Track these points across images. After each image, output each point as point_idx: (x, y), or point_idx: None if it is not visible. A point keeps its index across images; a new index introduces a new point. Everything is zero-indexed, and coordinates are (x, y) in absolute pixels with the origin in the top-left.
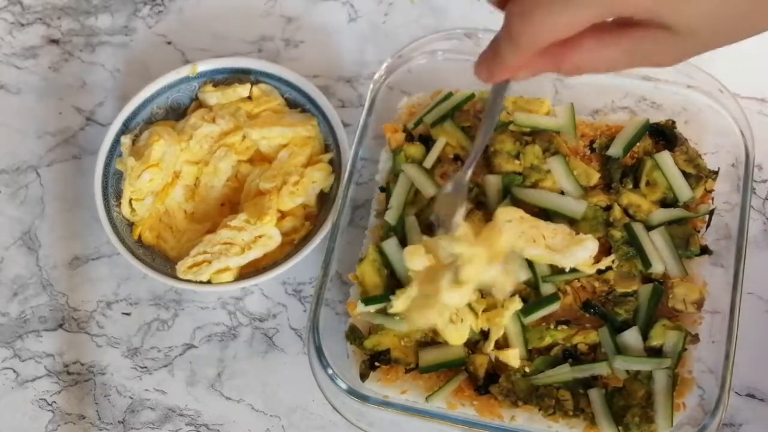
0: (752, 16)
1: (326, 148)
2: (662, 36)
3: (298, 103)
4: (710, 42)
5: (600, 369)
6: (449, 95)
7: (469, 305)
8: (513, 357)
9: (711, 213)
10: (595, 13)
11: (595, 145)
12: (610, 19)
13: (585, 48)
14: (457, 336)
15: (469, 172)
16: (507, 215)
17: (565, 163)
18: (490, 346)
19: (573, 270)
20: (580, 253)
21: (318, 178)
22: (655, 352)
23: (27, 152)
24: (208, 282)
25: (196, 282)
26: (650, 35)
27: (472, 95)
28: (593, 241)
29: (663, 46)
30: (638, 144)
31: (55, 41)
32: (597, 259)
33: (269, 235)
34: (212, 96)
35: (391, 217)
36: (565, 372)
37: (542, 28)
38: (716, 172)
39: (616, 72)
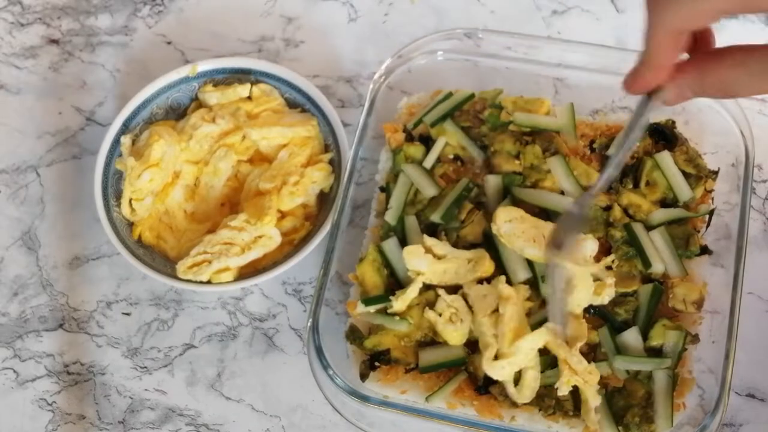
0: None
1: (326, 148)
2: None
3: (298, 103)
4: None
5: (600, 369)
6: (449, 95)
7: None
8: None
9: (711, 213)
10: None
11: (595, 145)
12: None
13: (730, 61)
14: (456, 336)
15: (596, 195)
16: (507, 215)
17: (565, 163)
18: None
19: None
20: (557, 280)
21: (318, 178)
22: (655, 352)
23: (27, 152)
24: (208, 282)
25: (196, 282)
26: None
27: (472, 95)
28: (593, 240)
29: None
30: (638, 144)
31: (55, 41)
32: (597, 259)
33: (269, 236)
34: (212, 96)
35: (391, 217)
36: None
37: (675, 14)
38: (716, 172)
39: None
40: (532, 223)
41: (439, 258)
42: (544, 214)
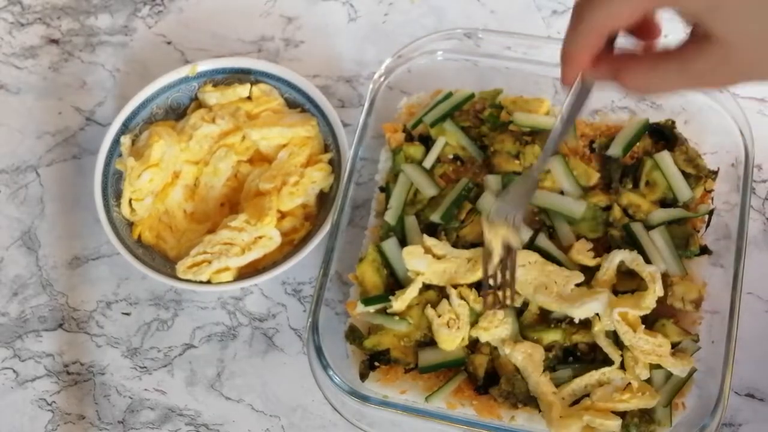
0: None
1: (326, 148)
2: (711, 52)
3: (298, 103)
4: (757, 64)
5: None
6: (449, 95)
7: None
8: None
9: (710, 213)
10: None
11: (594, 145)
12: (674, 46)
13: (642, 67)
14: (448, 341)
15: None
16: (522, 259)
17: (565, 163)
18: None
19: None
20: (593, 306)
21: (317, 178)
22: None
23: (27, 152)
24: (208, 282)
25: (195, 282)
26: (701, 52)
27: (472, 95)
28: (606, 294)
29: (711, 63)
30: (638, 144)
31: (54, 41)
32: (597, 256)
33: (269, 236)
34: (212, 96)
35: (390, 217)
36: (566, 375)
37: (600, 13)
38: (716, 172)
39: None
40: (544, 269)
41: (438, 258)
42: (544, 213)
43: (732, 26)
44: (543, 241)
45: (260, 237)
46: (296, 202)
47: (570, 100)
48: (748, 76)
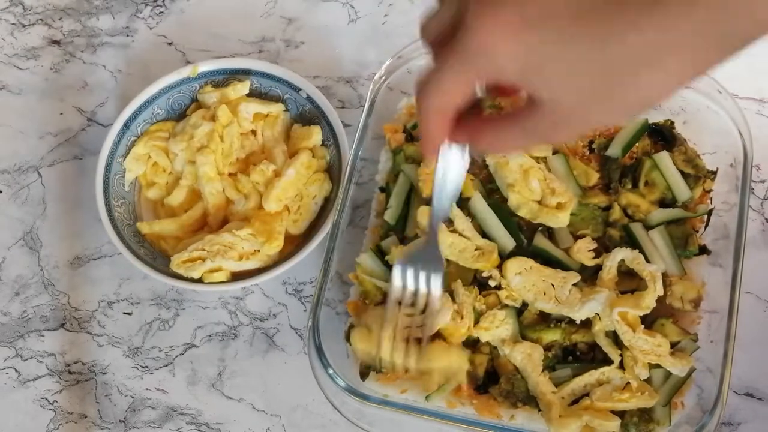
0: (613, 90)
1: (326, 148)
2: (544, 112)
3: (298, 104)
4: (595, 114)
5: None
6: None
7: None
8: None
9: (709, 213)
10: (466, 74)
11: (594, 146)
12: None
13: (489, 130)
14: (454, 333)
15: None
16: (517, 266)
17: (566, 163)
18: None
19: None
20: (593, 306)
21: (315, 191)
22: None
23: (28, 152)
24: (207, 282)
25: (197, 281)
26: (536, 113)
27: None
28: (605, 293)
29: (548, 122)
30: (637, 144)
31: (56, 42)
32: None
33: (269, 254)
34: (211, 95)
35: (390, 216)
36: (566, 375)
37: (434, 98)
38: (715, 173)
39: None
40: (541, 274)
41: (451, 232)
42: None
43: (555, 85)
44: (542, 241)
45: (260, 251)
46: (305, 225)
47: (440, 169)
48: (588, 125)
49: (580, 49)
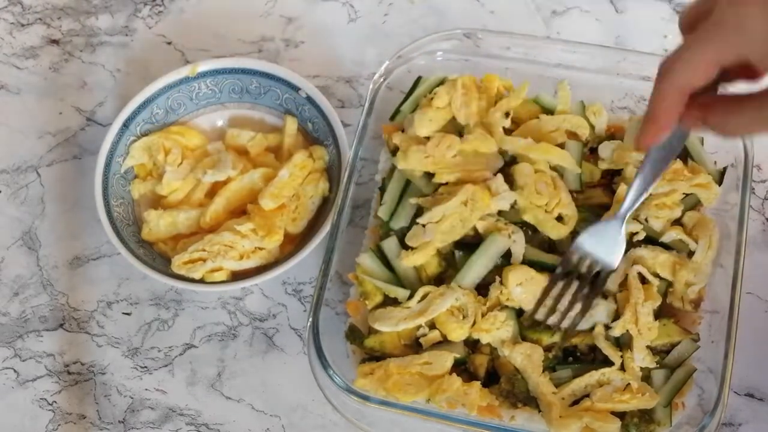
0: None
1: (325, 148)
2: None
3: (298, 104)
4: None
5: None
6: (419, 80)
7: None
8: None
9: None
10: (716, 49)
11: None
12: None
13: (720, 110)
14: (456, 331)
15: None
16: (518, 277)
17: (580, 151)
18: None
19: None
20: (596, 316)
21: (311, 191)
22: (655, 352)
23: (27, 152)
24: (206, 281)
25: (196, 281)
26: None
27: (445, 79)
28: (608, 303)
29: None
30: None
31: (55, 41)
32: None
33: (269, 250)
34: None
35: (384, 212)
36: (566, 376)
37: (680, 74)
38: (723, 172)
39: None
40: (542, 283)
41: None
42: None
43: None
44: (530, 251)
45: (260, 248)
46: (303, 224)
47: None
48: None
49: None
